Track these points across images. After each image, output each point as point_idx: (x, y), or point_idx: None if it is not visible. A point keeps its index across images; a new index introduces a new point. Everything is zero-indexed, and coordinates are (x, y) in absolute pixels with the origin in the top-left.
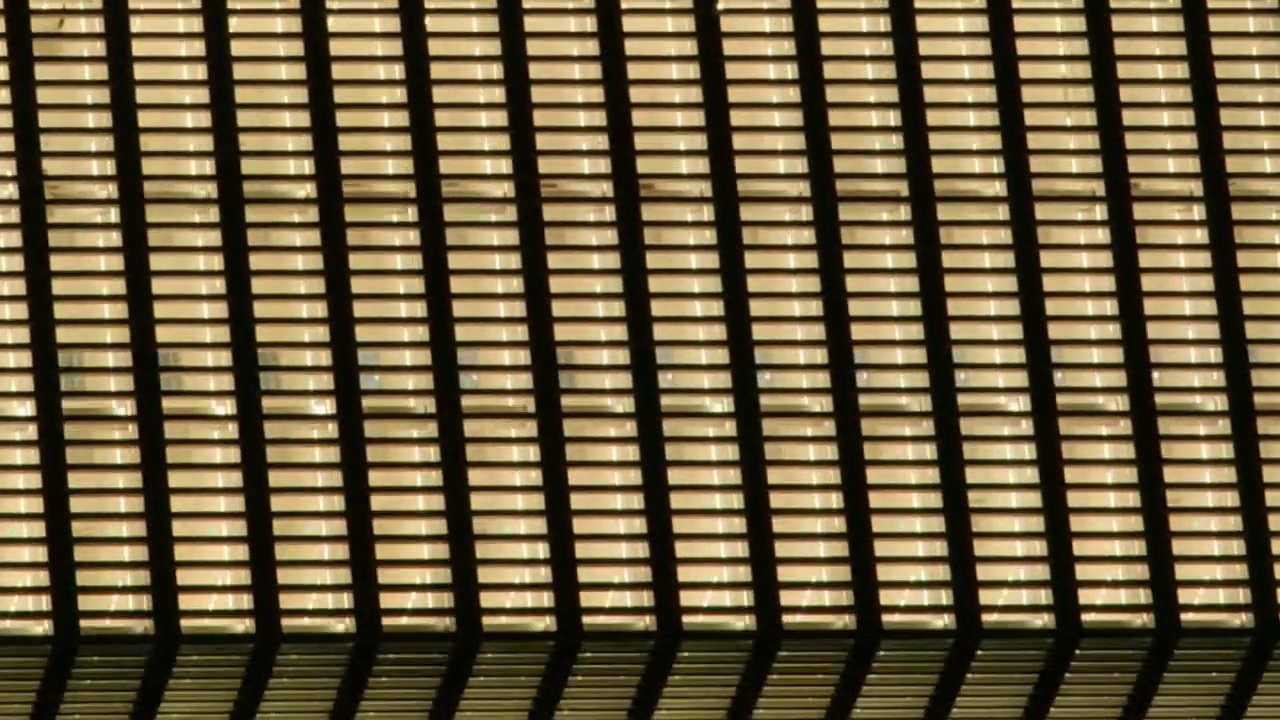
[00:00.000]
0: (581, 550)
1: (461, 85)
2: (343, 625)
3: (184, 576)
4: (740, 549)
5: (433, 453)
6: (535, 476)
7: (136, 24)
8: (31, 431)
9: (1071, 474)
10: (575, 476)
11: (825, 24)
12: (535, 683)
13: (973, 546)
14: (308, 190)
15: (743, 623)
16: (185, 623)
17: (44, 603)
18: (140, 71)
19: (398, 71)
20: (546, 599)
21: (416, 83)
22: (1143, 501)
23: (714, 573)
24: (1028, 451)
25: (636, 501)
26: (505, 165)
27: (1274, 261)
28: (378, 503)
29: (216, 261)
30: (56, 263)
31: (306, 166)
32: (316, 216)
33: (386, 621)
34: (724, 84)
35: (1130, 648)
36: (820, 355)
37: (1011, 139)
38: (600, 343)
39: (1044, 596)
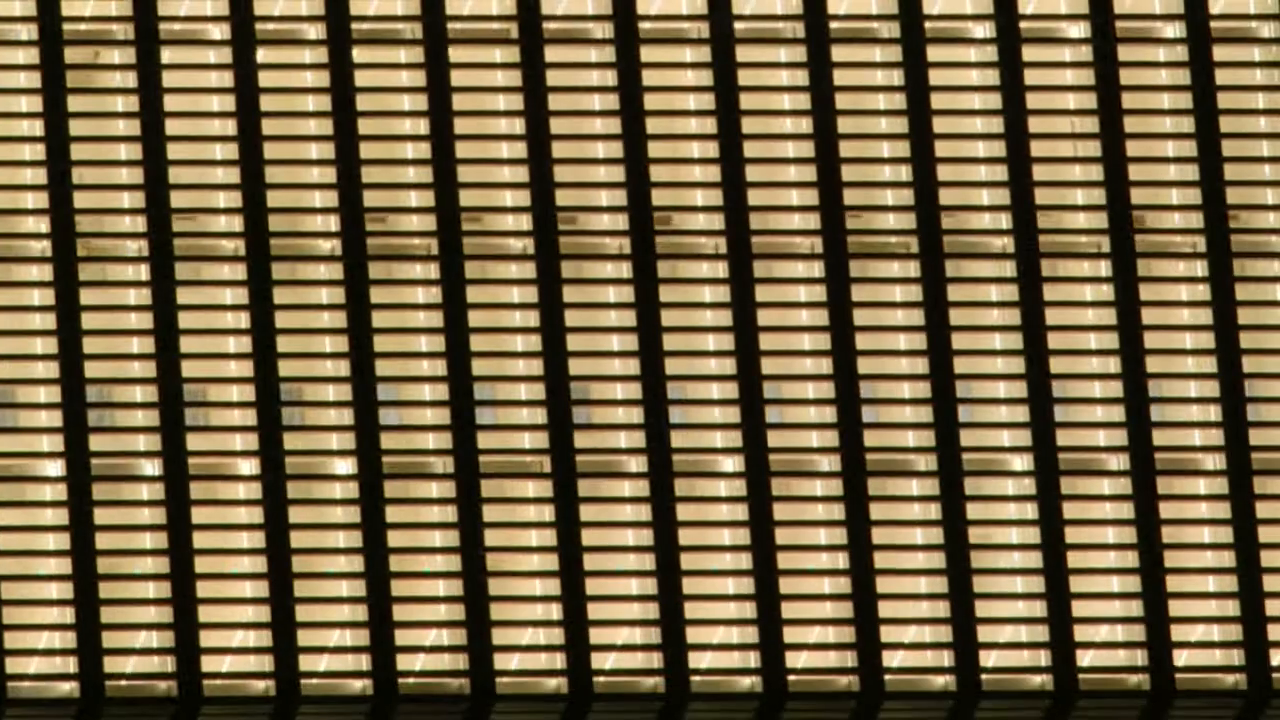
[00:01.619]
0: (593, 611)
1: (483, 140)
2: (360, 686)
3: (207, 638)
4: (748, 610)
5: (450, 512)
6: (550, 536)
7: (169, 79)
8: (61, 491)
9: (1072, 534)
10: (588, 537)
11: (840, 77)
12: None
13: (974, 608)
14: (332, 246)
15: (748, 683)
16: (207, 683)
17: (70, 664)
18: (171, 127)
19: (423, 127)
20: (559, 660)
21: (440, 140)
22: (1140, 562)
23: (720, 634)
24: (1030, 511)
25: (649, 562)
26: (526, 221)
27: (1276, 318)
28: (395, 563)
29: (244, 319)
30: (88, 321)
31: (333, 223)
32: (341, 273)
33: (402, 682)
34: (740, 140)
35: (1125, 708)
36: (830, 414)
37: (1019, 194)
38: (615, 401)
39: (1043, 658)
